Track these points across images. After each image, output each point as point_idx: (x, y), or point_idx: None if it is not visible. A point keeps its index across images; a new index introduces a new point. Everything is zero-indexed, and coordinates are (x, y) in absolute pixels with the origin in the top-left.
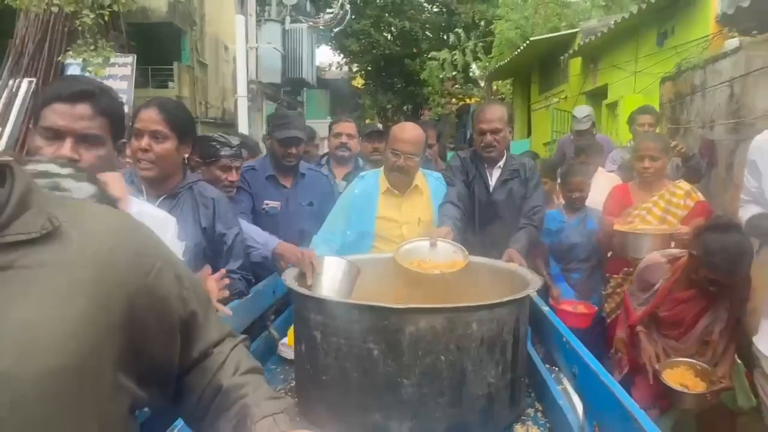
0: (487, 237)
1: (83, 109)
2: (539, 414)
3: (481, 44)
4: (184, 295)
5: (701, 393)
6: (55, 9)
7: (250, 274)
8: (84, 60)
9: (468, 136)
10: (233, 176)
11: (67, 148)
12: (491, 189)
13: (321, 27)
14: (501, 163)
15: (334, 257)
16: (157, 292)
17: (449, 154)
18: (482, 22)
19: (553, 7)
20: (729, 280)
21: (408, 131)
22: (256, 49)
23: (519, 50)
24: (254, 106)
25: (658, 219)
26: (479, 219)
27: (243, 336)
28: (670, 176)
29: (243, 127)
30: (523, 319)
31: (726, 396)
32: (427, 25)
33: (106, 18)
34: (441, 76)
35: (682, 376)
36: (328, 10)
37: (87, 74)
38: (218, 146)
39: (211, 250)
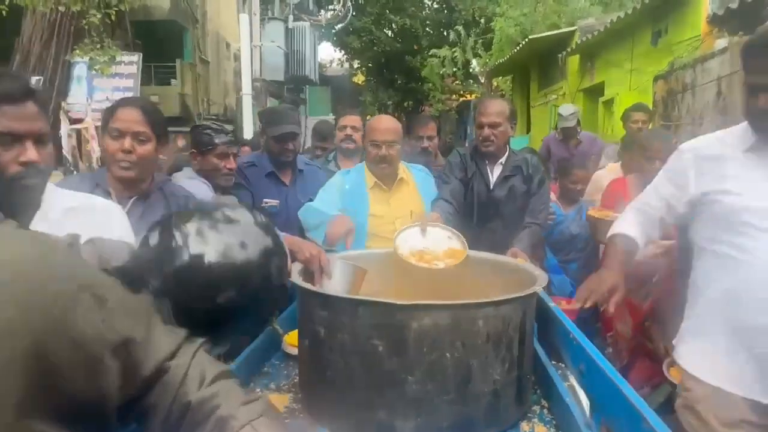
0: (485, 235)
1: (32, 107)
2: (545, 411)
3: (481, 41)
4: (108, 320)
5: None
6: (62, 8)
7: None
8: (91, 59)
9: (468, 131)
10: (231, 163)
11: (32, 151)
12: (491, 186)
13: (323, 25)
14: (502, 160)
15: (341, 260)
16: (68, 322)
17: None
18: (482, 19)
19: (552, 4)
20: None
21: (384, 121)
22: (260, 47)
23: (518, 48)
24: (258, 103)
25: None
26: (478, 216)
27: (201, 339)
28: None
29: (248, 124)
30: (529, 315)
31: None
32: (428, 22)
33: (113, 17)
34: (441, 73)
35: None
36: (330, 8)
37: (93, 72)
38: (213, 134)
39: None
